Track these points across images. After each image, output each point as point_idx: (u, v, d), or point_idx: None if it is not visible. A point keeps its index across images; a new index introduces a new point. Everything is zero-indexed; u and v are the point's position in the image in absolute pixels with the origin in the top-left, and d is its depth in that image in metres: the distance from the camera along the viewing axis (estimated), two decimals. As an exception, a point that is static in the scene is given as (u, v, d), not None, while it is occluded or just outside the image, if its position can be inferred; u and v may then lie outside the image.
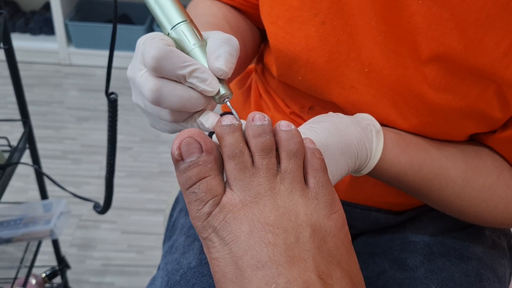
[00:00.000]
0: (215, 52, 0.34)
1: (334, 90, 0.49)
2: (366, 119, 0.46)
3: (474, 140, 0.51)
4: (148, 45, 0.33)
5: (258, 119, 0.33)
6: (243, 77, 0.70)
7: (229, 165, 0.33)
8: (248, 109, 0.63)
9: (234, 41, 0.35)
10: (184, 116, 0.36)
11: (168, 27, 0.36)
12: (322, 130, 0.41)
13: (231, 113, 0.36)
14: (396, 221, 0.59)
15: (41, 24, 2.08)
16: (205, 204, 0.32)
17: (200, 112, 0.36)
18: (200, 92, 0.34)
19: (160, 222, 1.41)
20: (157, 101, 0.33)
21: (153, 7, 0.37)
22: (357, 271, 0.33)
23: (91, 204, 1.46)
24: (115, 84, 1.96)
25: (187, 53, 0.35)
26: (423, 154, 0.46)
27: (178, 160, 0.32)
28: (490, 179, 0.48)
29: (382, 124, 0.48)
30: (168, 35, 0.36)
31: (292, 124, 0.34)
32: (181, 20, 0.36)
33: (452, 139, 0.49)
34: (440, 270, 0.51)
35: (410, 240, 0.56)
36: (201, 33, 0.37)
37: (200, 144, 0.32)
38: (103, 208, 0.76)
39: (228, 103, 0.36)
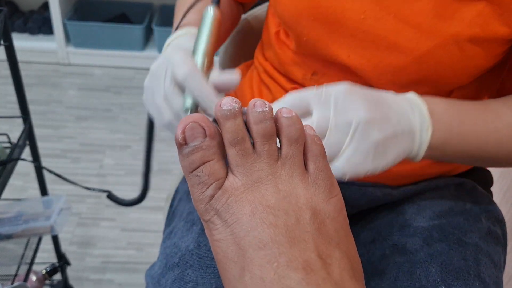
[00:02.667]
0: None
1: (337, 41, 0.52)
2: (421, 115, 0.47)
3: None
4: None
5: (259, 105, 0.34)
6: (244, 69, 0.72)
7: (231, 152, 0.33)
8: (251, 95, 0.65)
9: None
10: None
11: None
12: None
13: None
14: (393, 198, 0.60)
15: (39, 23, 2.08)
16: (208, 187, 0.32)
17: None
18: None
19: (159, 220, 1.42)
20: None
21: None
22: (354, 253, 0.34)
23: (90, 202, 1.46)
24: (115, 83, 1.96)
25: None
26: (471, 127, 0.49)
27: (182, 144, 0.32)
28: None
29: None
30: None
31: (293, 111, 0.35)
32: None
33: (459, 80, 0.52)
34: (440, 254, 0.52)
35: (409, 224, 0.57)
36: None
37: (203, 129, 0.32)
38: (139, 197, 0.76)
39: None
